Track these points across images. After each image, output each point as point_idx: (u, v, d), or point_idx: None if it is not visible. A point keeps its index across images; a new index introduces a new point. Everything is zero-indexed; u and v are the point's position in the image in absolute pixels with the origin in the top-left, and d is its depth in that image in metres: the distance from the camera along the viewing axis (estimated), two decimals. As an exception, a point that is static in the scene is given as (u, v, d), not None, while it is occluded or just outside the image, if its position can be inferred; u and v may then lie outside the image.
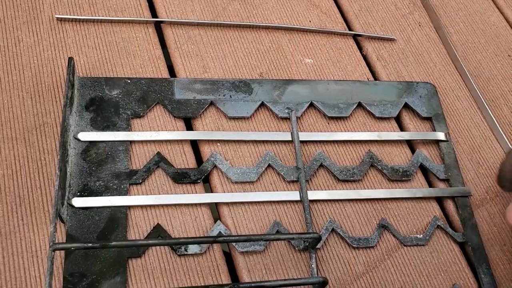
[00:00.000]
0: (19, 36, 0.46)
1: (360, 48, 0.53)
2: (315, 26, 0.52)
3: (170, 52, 0.48)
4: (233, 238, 0.37)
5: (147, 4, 0.50)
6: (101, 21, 0.47)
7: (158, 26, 0.49)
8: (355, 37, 0.53)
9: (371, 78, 0.51)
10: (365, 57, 0.53)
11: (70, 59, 0.41)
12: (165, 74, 0.46)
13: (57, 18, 0.47)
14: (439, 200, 0.46)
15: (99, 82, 0.44)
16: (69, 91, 0.40)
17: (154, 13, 0.50)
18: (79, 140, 0.41)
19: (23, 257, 0.37)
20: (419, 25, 0.56)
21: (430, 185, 0.47)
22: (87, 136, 0.42)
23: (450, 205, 0.46)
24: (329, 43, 0.52)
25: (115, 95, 0.44)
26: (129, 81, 0.45)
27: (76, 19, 0.47)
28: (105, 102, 0.43)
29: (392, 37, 0.54)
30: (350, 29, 0.54)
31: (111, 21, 0.48)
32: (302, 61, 0.50)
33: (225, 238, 0.36)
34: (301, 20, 0.53)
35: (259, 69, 0.49)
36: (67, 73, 0.41)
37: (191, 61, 0.48)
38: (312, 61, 0.50)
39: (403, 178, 0.46)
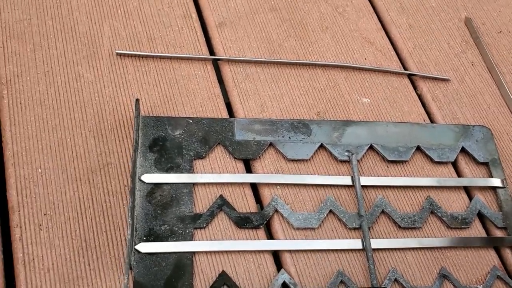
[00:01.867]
0: (79, 71, 0.45)
1: (415, 87, 0.53)
2: (371, 64, 0.52)
3: (228, 90, 0.48)
4: None
5: (205, 40, 0.50)
6: (161, 57, 0.47)
7: (216, 64, 0.49)
8: (410, 76, 0.53)
9: (427, 120, 0.51)
10: (420, 97, 0.53)
11: (137, 101, 0.41)
12: (224, 113, 0.46)
13: (117, 54, 0.47)
14: (497, 249, 0.46)
15: (162, 122, 0.44)
16: (137, 134, 0.40)
17: (211, 50, 0.50)
18: (143, 182, 0.41)
19: (91, 304, 0.37)
20: (472, 65, 0.55)
21: (488, 233, 0.47)
22: (152, 178, 0.42)
23: (508, 254, 0.46)
24: (385, 82, 0.52)
25: (178, 135, 0.44)
26: (191, 121, 0.45)
27: (136, 54, 0.47)
28: (168, 142, 0.43)
29: (447, 77, 0.54)
30: (404, 67, 0.54)
31: (170, 58, 0.48)
32: (359, 100, 0.50)
33: None
34: (356, 57, 0.53)
35: (317, 108, 0.49)
36: (135, 116, 0.41)
37: (249, 100, 0.48)
38: (369, 100, 0.50)
39: (462, 226, 0.46)
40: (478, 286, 0.43)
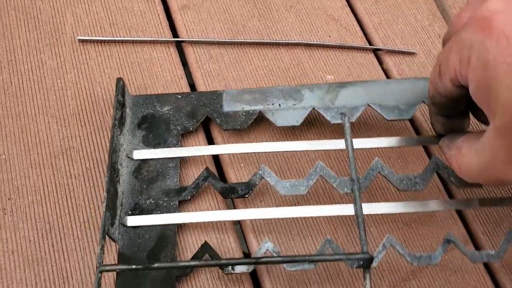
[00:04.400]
0: (42, 59, 0.46)
1: (380, 62, 0.53)
2: (335, 41, 0.53)
3: (191, 71, 0.49)
4: (276, 259, 0.36)
5: (168, 23, 0.50)
6: (123, 41, 0.48)
7: (179, 46, 0.50)
8: (375, 52, 0.54)
9: (392, 94, 0.51)
10: (385, 72, 0.53)
11: (119, 80, 0.42)
12: (188, 94, 0.47)
13: (79, 40, 0.47)
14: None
15: (151, 99, 0.44)
16: (117, 112, 0.41)
17: (174, 32, 0.51)
18: (131, 158, 0.42)
19: (54, 284, 0.37)
20: (439, 37, 0.56)
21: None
22: (138, 154, 0.42)
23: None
24: (349, 59, 0.52)
25: (166, 111, 0.44)
26: (179, 96, 0.45)
27: (98, 40, 0.48)
28: (156, 119, 0.44)
29: (413, 51, 0.54)
30: (370, 43, 0.54)
31: (132, 42, 0.48)
32: (323, 78, 0.50)
33: (268, 259, 0.35)
34: (320, 35, 0.53)
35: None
36: (116, 94, 0.41)
37: (213, 80, 0.48)
38: (333, 77, 0.51)
39: (473, 186, 0.41)
40: (490, 252, 0.40)
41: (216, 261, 0.38)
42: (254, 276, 0.41)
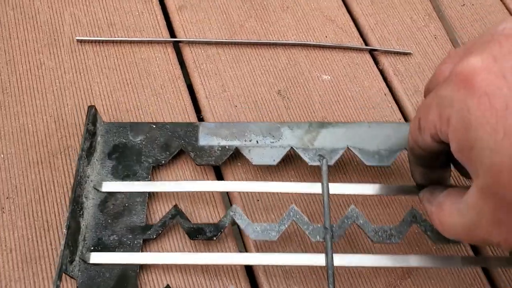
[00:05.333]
0: (41, 59, 0.47)
1: (376, 62, 0.54)
2: (332, 41, 0.53)
3: (189, 71, 0.49)
4: None
5: (165, 23, 0.51)
6: (121, 41, 0.48)
7: (177, 46, 0.50)
8: (371, 52, 0.54)
9: (388, 93, 0.52)
10: (381, 72, 0.53)
11: (90, 108, 0.41)
12: (185, 94, 0.47)
13: (78, 40, 0.48)
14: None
15: (124, 128, 0.42)
16: (86, 142, 0.40)
17: (172, 32, 0.51)
18: (98, 190, 0.40)
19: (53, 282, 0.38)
20: (435, 38, 0.56)
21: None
22: (106, 186, 0.40)
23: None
24: (346, 59, 0.53)
25: (139, 141, 0.42)
26: (154, 126, 0.43)
27: (96, 40, 0.48)
28: (128, 149, 0.42)
29: (408, 51, 0.54)
30: (366, 44, 0.54)
31: (130, 42, 0.49)
32: (319, 78, 0.51)
33: None
34: (317, 35, 0.53)
35: (277, 87, 0.49)
36: (85, 123, 0.40)
37: (210, 80, 0.49)
38: (329, 77, 0.51)
39: (450, 243, 0.39)
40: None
41: None
42: (250, 271, 0.41)
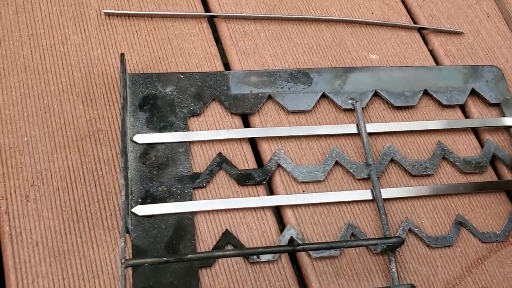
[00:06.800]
0: (66, 34, 0.42)
1: (426, 42, 0.49)
2: (378, 18, 0.48)
3: (225, 49, 0.44)
4: (313, 246, 0.33)
5: (200, -4, 0.46)
6: (152, 16, 0.44)
7: (212, 21, 0.46)
8: (420, 31, 0.49)
9: (441, 76, 0.47)
10: (431, 52, 0.48)
11: (122, 56, 0.37)
12: (222, 72, 0.43)
13: (105, 13, 0.43)
14: (508, 193, 0.42)
15: (151, 79, 0.40)
16: (124, 91, 0.36)
17: (206, 6, 0.46)
18: (136, 143, 0.37)
19: (83, 278, 0.33)
20: (488, 16, 0.51)
21: (499, 176, 0.43)
22: (144, 138, 0.38)
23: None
24: (394, 38, 0.48)
25: (170, 92, 0.40)
26: (182, 76, 0.40)
27: (125, 14, 0.43)
28: (159, 100, 0.39)
29: (460, 30, 0.49)
30: (414, 21, 0.50)
31: (162, 16, 0.44)
32: (367, 57, 0.46)
33: (305, 246, 0.33)
34: (362, 12, 0.49)
35: (322, 67, 0.45)
36: (120, 71, 0.36)
37: (249, 59, 0.44)
38: (377, 57, 0.46)
39: (477, 171, 0.42)
40: (497, 231, 0.40)
41: (250, 250, 0.34)
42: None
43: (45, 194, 0.36)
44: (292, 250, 0.33)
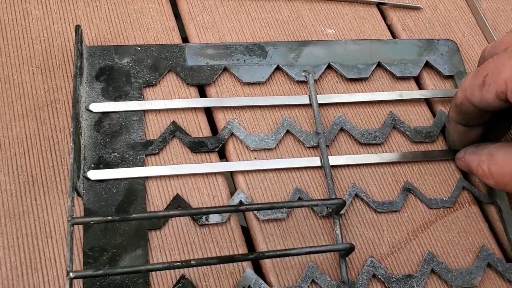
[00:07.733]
0: (27, 8, 0.43)
1: (384, 17, 0.50)
2: (337, -7, 0.50)
3: (184, 23, 0.46)
4: (256, 206, 0.34)
5: (159, -28, 0.47)
6: (112, -9, 0.45)
7: (172, -4, 0.47)
8: (379, 6, 0.50)
9: (396, 49, 0.48)
10: (389, 27, 0.50)
11: (78, 27, 0.38)
12: (179, 46, 0.44)
13: (66, -11, 0.45)
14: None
15: (108, 51, 0.41)
16: (78, 60, 0.37)
17: (166, -18, 0.48)
18: (91, 111, 0.39)
19: (37, 238, 0.35)
20: (447, -8, 0.52)
21: None
22: (99, 107, 0.39)
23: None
24: (352, 12, 0.49)
25: (126, 64, 0.41)
26: (139, 48, 0.42)
27: (85, -11, 0.45)
28: (115, 71, 0.41)
29: (418, 5, 0.51)
30: (373, -3, 0.51)
31: (122, -9, 0.45)
32: (323, 32, 0.47)
33: (248, 206, 0.34)
34: (321, -13, 0.50)
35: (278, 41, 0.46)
36: (75, 42, 0.38)
37: (207, 33, 0.45)
38: (334, 31, 0.48)
39: (427, 140, 0.43)
40: (444, 197, 0.41)
41: (196, 210, 0.35)
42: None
43: (2, 160, 0.37)
44: (236, 210, 0.34)
